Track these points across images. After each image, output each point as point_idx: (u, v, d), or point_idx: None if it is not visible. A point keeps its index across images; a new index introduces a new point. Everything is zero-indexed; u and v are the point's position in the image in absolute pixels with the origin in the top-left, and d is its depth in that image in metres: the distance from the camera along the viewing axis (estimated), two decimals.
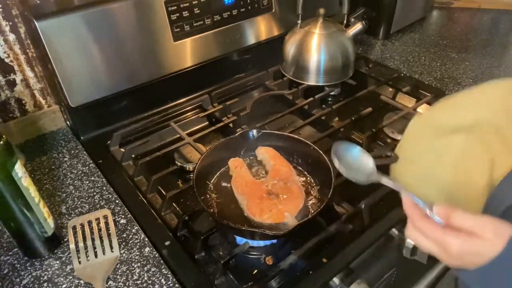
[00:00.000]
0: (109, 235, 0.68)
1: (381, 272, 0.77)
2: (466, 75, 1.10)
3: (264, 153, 0.78)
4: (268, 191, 0.69)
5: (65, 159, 0.86)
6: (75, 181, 0.79)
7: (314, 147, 0.74)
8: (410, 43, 1.28)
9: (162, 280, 0.61)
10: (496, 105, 0.57)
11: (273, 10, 1.06)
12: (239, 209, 0.69)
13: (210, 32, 0.96)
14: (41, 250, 0.65)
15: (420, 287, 0.83)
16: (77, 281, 0.61)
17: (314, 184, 0.75)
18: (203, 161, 0.73)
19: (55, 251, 0.66)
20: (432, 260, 0.75)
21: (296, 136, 0.79)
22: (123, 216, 0.72)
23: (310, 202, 0.71)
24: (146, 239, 0.67)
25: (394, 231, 0.71)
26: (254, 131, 0.79)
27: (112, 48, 0.84)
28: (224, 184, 0.75)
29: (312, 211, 0.69)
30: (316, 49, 0.99)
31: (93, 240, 0.67)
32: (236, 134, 0.79)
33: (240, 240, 0.66)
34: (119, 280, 0.61)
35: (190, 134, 0.89)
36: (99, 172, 0.81)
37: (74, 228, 0.69)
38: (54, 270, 0.63)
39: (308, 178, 0.76)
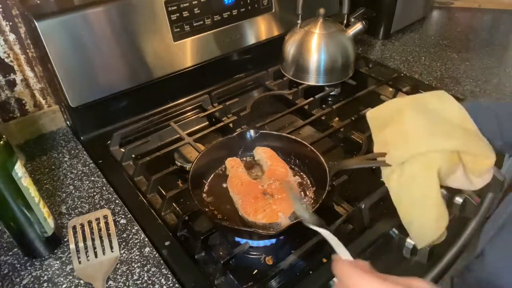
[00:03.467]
0: (109, 235, 0.68)
1: (381, 272, 0.77)
2: (466, 75, 1.10)
3: (262, 153, 0.77)
4: (263, 191, 0.69)
5: (65, 159, 0.86)
6: (75, 181, 0.79)
7: (311, 148, 0.74)
8: (410, 43, 1.28)
9: (162, 280, 0.61)
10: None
11: (273, 10, 1.06)
12: (234, 208, 0.69)
13: (210, 32, 0.96)
14: (41, 250, 0.65)
15: None
16: (77, 281, 0.61)
17: (311, 185, 0.74)
18: (200, 160, 0.72)
19: (55, 251, 0.66)
20: (432, 260, 0.75)
21: (293, 137, 0.78)
22: (123, 216, 0.72)
23: (306, 202, 0.70)
24: (146, 239, 0.67)
25: (394, 231, 0.71)
26: (252, 131, 0.79)
27: (112, 48, 0.84)
28: (220, 183, 0.75)
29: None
30: (316, 49, 0.99)
31: (93, 240, 0.67)
32: (234, 134, 0.79)
33: (240, 240, 0.66)
34: (119, 280, 0.61)
35: (190, 134, 0.89)
36: (99, 172, 0.81)
37: (74, 228, 0.69)
38: (54, 270, 0.63)
39: (305, 179, 0.76)
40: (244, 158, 0.80)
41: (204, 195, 0.73)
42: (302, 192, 0.72)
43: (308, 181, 0.75)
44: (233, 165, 0.75)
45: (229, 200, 0.71)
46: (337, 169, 0.72)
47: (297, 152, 0.78)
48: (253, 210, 0.65)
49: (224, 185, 0.74)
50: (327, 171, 0.69)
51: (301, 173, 0.77)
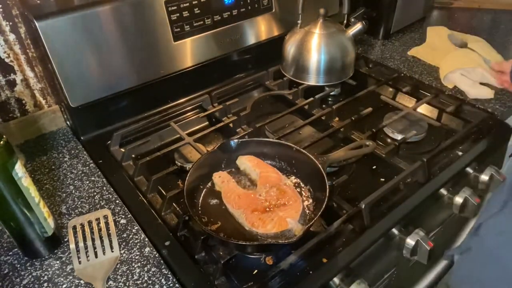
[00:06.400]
0: (109, 235, 0.68)
1: (381, 272, 0.77)
2: None
3: (247, 162, 0.75)
4: (264, 200, 0.67)
5: (65, 159, 0.86)
6: (75, 181, 0.80)
7: (296, 148, 0.73)
8: (410, 43, 1.28)
9: (162, 280, 0.61)
10: None
11: (273, 10, 1.06)
12: (238, 224, 0.66)
13: (210, 32, 0.96)
14: (41, 250, 0.65)
15: (420, 287, 0.83)
16: (77, 281, 0.61)
17: (303, 185, 0.74)
18: (188, 181, 0.68)
19: (55, 251, 0.66)
20: (432, 260, 0.76)
21: (275, 140, 0.78)
22: (123, 216, 0.72)
23: (305, 202, 0.70)
24: (146, 239, 0.67)
25: (394, 231, 0.71)
26: (232, 141, 0.76)
27: (112, 48, 0.84)
28: (213, 201, 0.71)
29: (309, 212, 0.68)
30: (316, 49, 0.99)
31: (93, 240, 0.67)
32: (215, 147, 0.75)
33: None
34: (119, 280, 0.61)
35: (190, 134, 0.89)
36: (99, 172, 0.81)
37: (74, 228, 0.69)
38: (54, 270, 0.63)
39: (296, 179, 0.75)
40: (229, 171, 0.77)
41: (203, 218, 0.68)
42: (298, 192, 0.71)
43: (299, 180, 0.75)
44: (223, 179, 0.72)
45: (228, 216, 0.68)
46: (328, 163, 0.72)
47: (282, 154, 0.77)
48: (261, 221, 0.63)
49: (217, 202, 0.70)
50: (321, 168, 0.68)
51: (291, 175, 0.76)
